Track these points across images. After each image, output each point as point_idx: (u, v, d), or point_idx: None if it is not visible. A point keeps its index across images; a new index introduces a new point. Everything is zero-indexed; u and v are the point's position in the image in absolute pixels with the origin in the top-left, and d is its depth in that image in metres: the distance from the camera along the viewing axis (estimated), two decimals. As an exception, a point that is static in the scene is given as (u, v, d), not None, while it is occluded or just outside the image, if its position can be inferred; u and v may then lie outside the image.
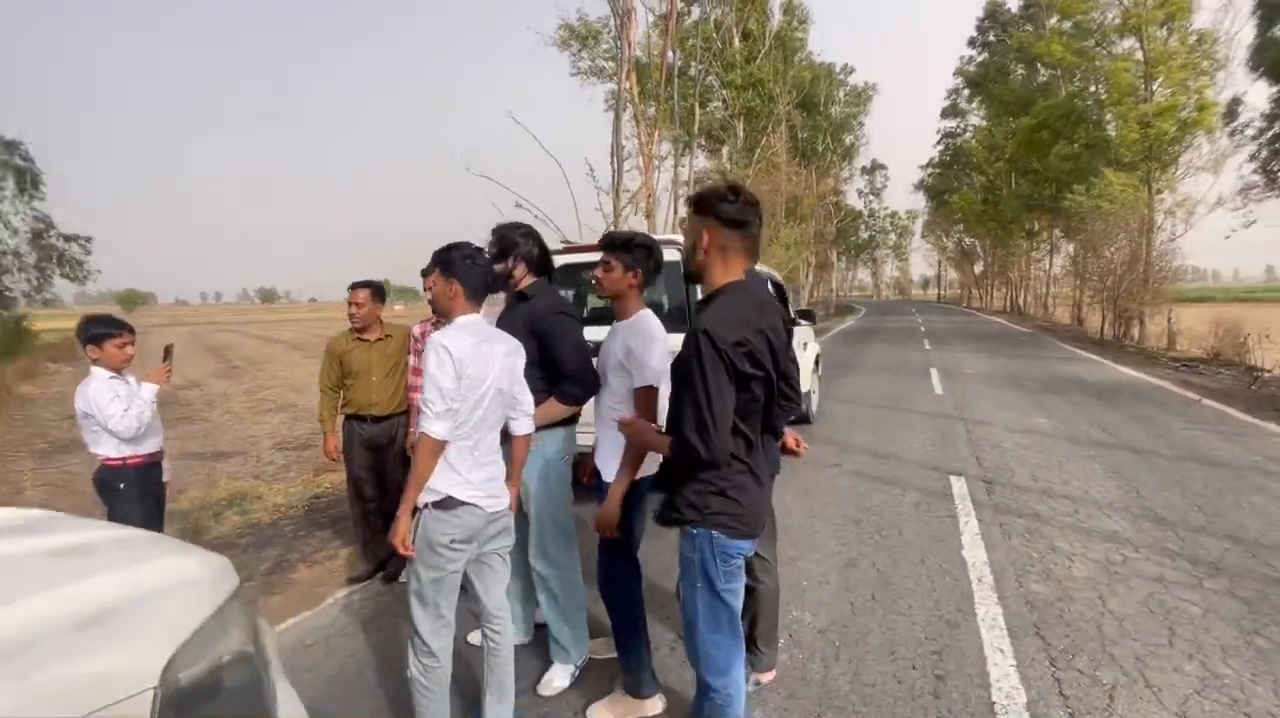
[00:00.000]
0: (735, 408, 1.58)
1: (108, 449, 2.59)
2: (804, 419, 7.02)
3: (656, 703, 2.30)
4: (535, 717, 2.31)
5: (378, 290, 3.46)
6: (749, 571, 2.33)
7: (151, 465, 2.75)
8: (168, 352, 2.84)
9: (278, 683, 1.17)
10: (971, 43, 37.36)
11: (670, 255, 4.50)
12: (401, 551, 1.86)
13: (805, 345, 6.95)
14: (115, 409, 2.49)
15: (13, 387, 11.83)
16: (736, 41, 22.81)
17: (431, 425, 1.82)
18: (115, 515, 2.59)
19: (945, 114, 43.13)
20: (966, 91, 39.73)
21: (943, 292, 76.51)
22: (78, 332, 2.63)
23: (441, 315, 2.86)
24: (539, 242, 2.55)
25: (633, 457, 2.10)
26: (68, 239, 19.89)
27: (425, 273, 3.00)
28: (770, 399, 1.72)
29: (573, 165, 12.80)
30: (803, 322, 6.73)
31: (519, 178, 11.77)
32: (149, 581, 1.01)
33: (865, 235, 59.42)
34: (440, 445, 1.85)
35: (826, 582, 3.30)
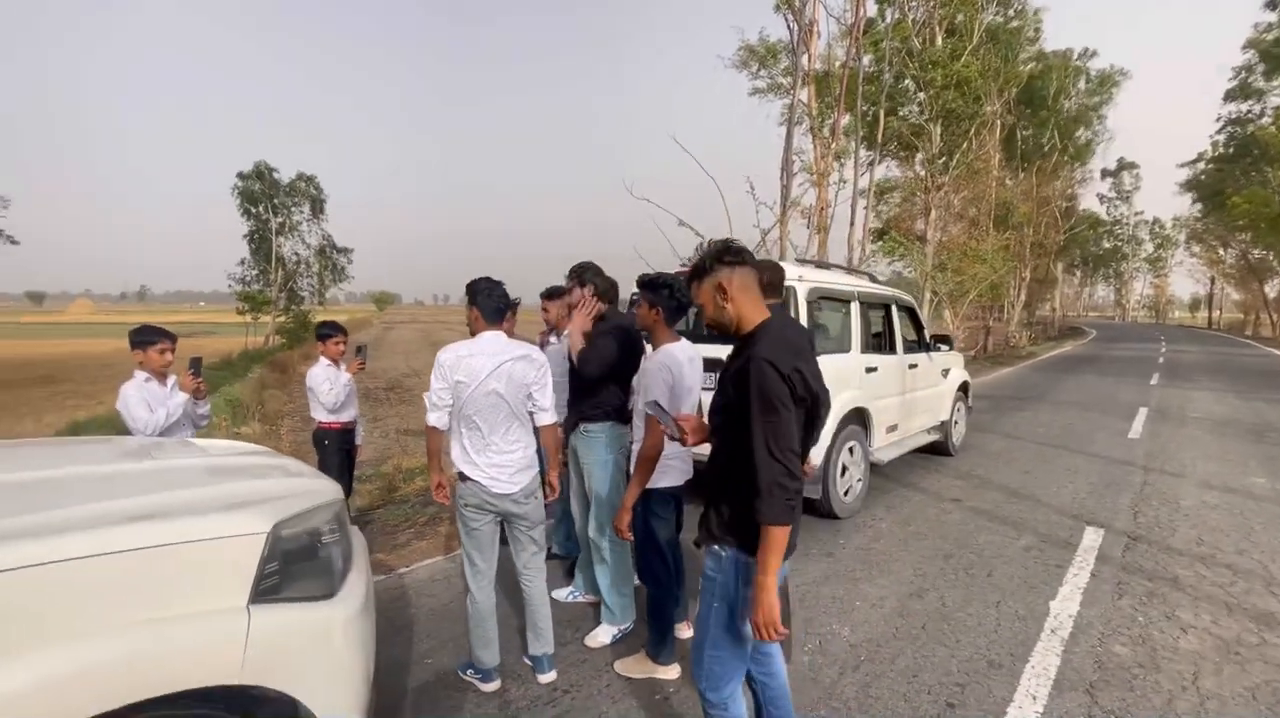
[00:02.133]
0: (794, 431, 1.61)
1: (320, 415, 3.73)
2: (943, 451, 6.67)
3: (673, 670, 2.71)
4: (578, 660, 2.85)
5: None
6: None
7: (347, 430, 3.86)
8: (360, 350, 3.93)
9: (355, 569, 1.83)
10: (1272, 5, 30.17)
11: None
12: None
13: (946, 373, 6.60)
14: (324, 387, 3.59)
15: (296, 366, 15.54)
16: (939, 40, 21.25)
17: (427, 416, 2.48)
18: (321, 461, 3.70)
19: (1230, 96, 35.17)
20: (1262, 67, 32.07)
21: (1216, 315, 61.43)
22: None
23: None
24: (605, 276, 3.12)
25: (642, 467, 2.49)
26: (338, 251, 25.41)
27: (544, 295, 3.73)
28: (810, 426, 1.77)
29: (736, 185, 13.13)
30: (941, 347, 6.40)
31: (685, 198, 12.49)
32: (281, 484, 1.77)
33: (1106, 246, 50.58)
34: (435, 431, 2.49)
35: (881, 605, 3.37)
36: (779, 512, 1.55)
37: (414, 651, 2.93)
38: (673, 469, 2.70)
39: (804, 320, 4.24)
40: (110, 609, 1.24)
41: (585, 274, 3.10)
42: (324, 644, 1.51)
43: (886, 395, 5.31)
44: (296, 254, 25.22)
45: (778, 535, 1.57)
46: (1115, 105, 33.04)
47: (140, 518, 1.36)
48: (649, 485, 2.56)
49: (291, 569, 1.52)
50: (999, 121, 23.61)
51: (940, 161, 21.13)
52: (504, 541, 2.67)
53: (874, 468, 5.35)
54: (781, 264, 4.33)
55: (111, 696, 1.19)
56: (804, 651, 2.92)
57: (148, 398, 3.03)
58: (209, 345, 22.23)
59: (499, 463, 2.51)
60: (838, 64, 17.34)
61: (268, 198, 24.12)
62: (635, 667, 2.74)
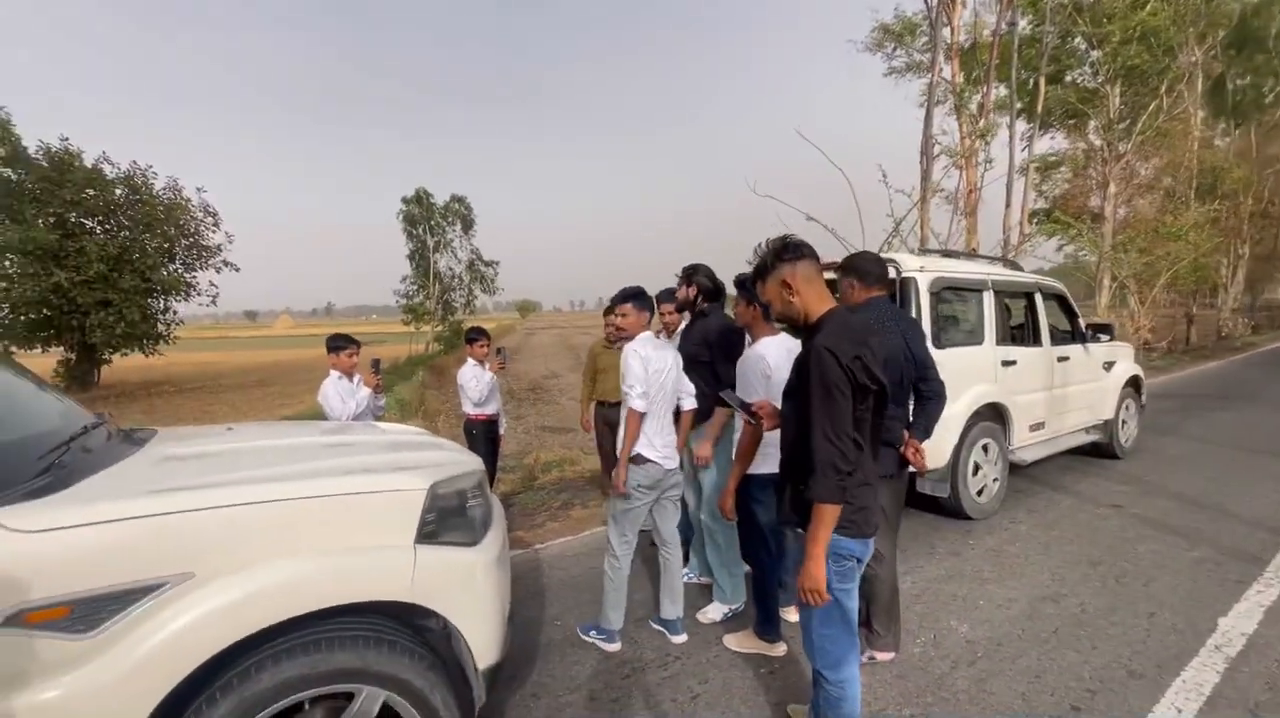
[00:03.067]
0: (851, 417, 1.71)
1: (468, 408, 4.32)
2: (1108, 453, 6.00)
3: (779, 648, 2.85)
4: (690, 633, 3.07)
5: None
6: None
7: (491, 421, 4.42)
8: (500, 351, 4.47)
9: (493, 527, 2.21)
10: None
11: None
12: (620, 488, 2.83)
13: (1110, 366, 5.92)
14: (471, 383, 4.18)
15: (450, 370, 17.37)
16: (1114, -12, 18.66)
17: (634, 402, 2.77)
18: (469, 448, 4.28)
19: None
20: None
21: None
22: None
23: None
24: (712, 276, 3.31)
25: (741, 454, 2.66)
26: (486, 264, 27.83)
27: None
28: (880, 410, 1.84)
29: (869, 174, 12.54)
30: (1101, 337, 5.75)
31: (814, 192, 12.18)
32: (439, 456, 2.20)
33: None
34: (640, 415, 2.77)
35: (1007, 607, 3.22)
36: (830, 491, 1.66)
37: (546, 613, 3.33)
38: (772, 457, 2.83)
39: (926, 312, 4.11)
40: (320, 537, 1.68)
41: (694, 275, 3.32)
42: (469, 580, 1.88)
43: (1029, 390, 4.93)
44: (450, 269, 28.08)
45: (827, 513, 1.67)
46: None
47: (338, 474, 1.82)
48: (750, 471, 2.72)
49: (445, 520, 1.91)
50: (1200, 73, 20.16)
51: (1121, 127, 18.52)
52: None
53: (1015, 468, 5.00)
54: (890, 255, 4.27)
55: (322, 597, 1.63)
56: (915, 643, 2.90)
57: (340, 392, 3.76)
58: (379, 352, 25.48)
59: (671, 443, 2.90)
60: (987, 32, 15.88)
61: (425, 219, 27.14)
62: (744, 642, 2.91)
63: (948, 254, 4.94)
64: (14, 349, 18.67)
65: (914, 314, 4.11)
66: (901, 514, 2.95)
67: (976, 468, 4.47)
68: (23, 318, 18.44)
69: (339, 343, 3.85)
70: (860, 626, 2.79)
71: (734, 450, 2.90)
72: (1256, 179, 23.37)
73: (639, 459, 2.81)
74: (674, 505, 3.02)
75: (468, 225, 29.03)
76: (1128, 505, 4.74)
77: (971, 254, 5.50)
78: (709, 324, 3.25)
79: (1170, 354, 16.46)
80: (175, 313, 21.65)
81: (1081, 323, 5.64)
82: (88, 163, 19.24)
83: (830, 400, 1.68)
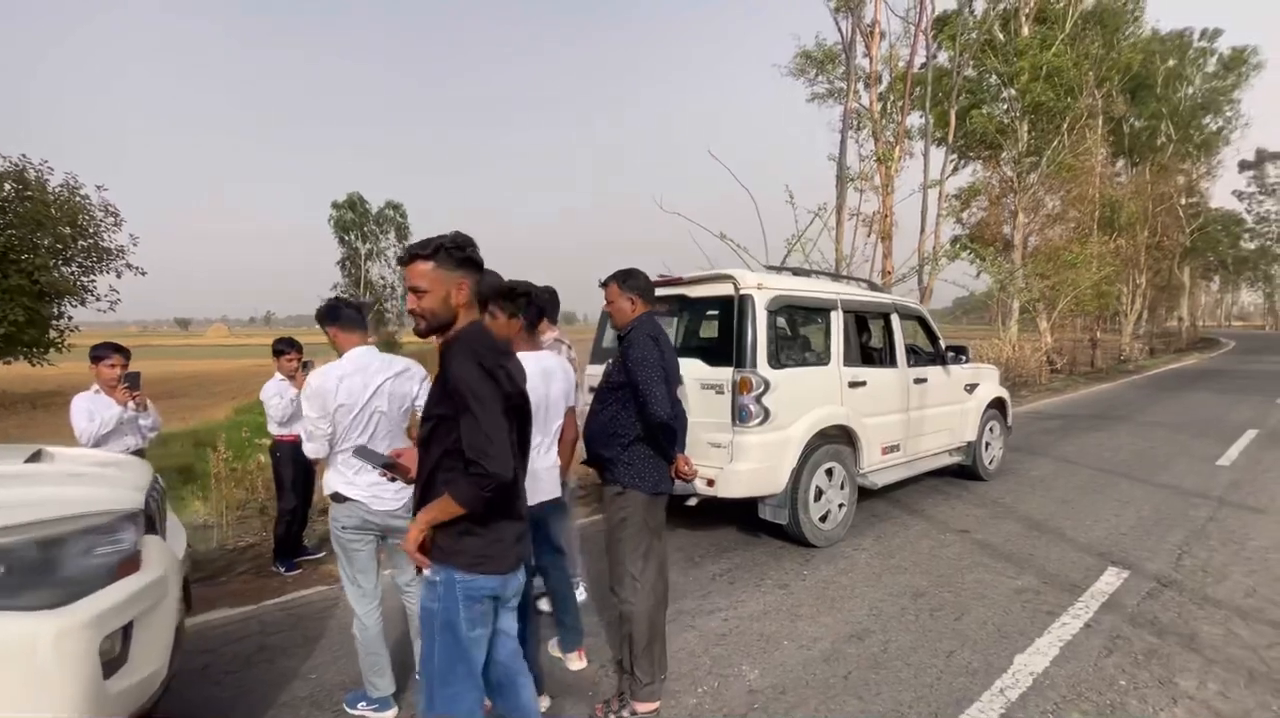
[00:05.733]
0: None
1: (273, 428, 3.96)
2: (974, 475, 6.01)
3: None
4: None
5: None
6: (616, 592, 2.43)
7: (299, 443, 3.98)
8: (306, 366, 4.06)
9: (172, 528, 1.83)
10: None
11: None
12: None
13: (973, 388, 5.95)
14: (274, 401, 3.75)
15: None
16: (1025, 29, 19.76)
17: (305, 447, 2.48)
18: (275, 473, 3.92)
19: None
20: None
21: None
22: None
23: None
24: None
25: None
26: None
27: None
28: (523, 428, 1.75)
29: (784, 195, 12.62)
30: (962, 357, 5.78)
31: (733, 213, 12.19)
32: (49, 493, 1.83)
33: (1250, 246, 44.56)
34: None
35: (810, 647, 3.02)
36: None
37: (305, 665, 2.93)
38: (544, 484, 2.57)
39: (762, 331, 3.96)
40: None
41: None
42: (21, 654, 1.51)
43: (881, 412, 4.84)
44: (383, 278, 27.13)
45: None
46: (1250, 88, 29.23)
47: None
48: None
49: (5, 578, 1.54)
50: (1101, 114, 21.48)
51: (1029, 160, 19.51)
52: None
53: (869, 492, 4.89)
54: (729, 272, 4.11)
55: None
56: (694, 692, 2.65)
57: (92, 408, 3.29)
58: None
59: (375, 480, 2.38)
60: (900, 64, 16.48)
61: (359, 226, 26.20)
62: None
63: (799, 272, 4.83)
64: None
65: (750, 332, 3.94)
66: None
67: (819, 493, 4.32)
68: (-119, 319, 16.64)
69: (99, 353, 3.41)
70: (625, 672, 2.54)
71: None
72: (1150, 214, 25.01)
73: (338, 497, 2.45)
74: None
75: (402, 234, 28.19)
76: (974, 530, 4.68)
77: (828, 273, 5.43)
78: None
79: (1071, 375, 17.21)
80: (70, 318, 19.97)
81: (942, 344, 5.64)
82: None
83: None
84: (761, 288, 4.07)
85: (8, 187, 18.36)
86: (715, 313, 4.58)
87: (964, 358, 5.75)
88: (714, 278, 4.25)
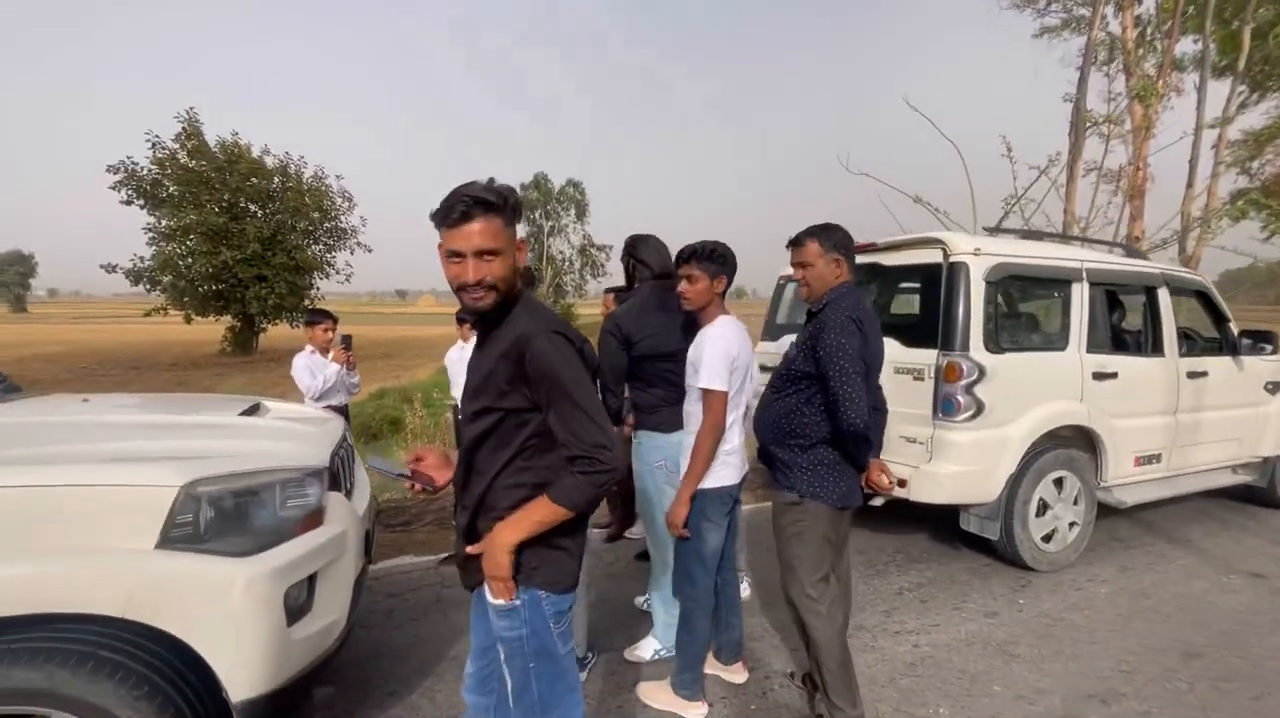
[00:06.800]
0: None
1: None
2: (1263, 500, 4.63)
3: (696, 709, 2.31)
4: (608, 671, 2.62)
5: None
6: (794, 610, 2.10)
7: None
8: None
9: (299, 539, 1.89)
10: None
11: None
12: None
13: (1274, 388, 4.50)
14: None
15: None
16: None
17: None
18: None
19: None
20: None
21: None
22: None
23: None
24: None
25: (699, 463, 2.11)
26: (598, 249, 28.11)
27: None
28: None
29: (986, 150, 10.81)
30: (1266, 346, 4.36)
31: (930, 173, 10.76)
32: (252, 446, 1.95)
33: None
34: None
35: (1032, 701, 2.41)
36: None
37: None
38: (729, 465, 2.26)
39: (979, 306, 3.26)
40: (21, 533, 1.47)
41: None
42: (220, 597, 1.60)
43: (1137, 413, 3.82)
44: (563, 253, 28.79)
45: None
46: None
47: (75, 462, 1.61)
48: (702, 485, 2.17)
49: (210, 524, 1.64)
50: None
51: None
52: None
53: (1111, 511, 3.93)
54: (938, 235, 3.45)
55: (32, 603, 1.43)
56: (878, 732, 2.24)
57: (310, 366, 3.69)
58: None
59: None
60: (1169, -23, 13.08)
61: (542, 204, 28.00)
62: (657, 695, 2.41)
63: (1029, 235, 3.93)
64: (194, 316, 21.85)
65: (961, 308, 3.27)
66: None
67: (1043, 507, 3.53)
68: (200, 289, 21.41)
69: (314, 318, 3.79)
70: (817, 692, 2.19)
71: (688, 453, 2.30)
72: None
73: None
74: None
75: (581, 211, 29.59)
76: (1273, 576, 3.54)
77: (1065, 237, 4.38)
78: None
79: None
80: (318, 289, 24.07)
81: (1233, 328, 4.32)
82: (253, 154, 21.83)
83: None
84: (979, 254, 3.35)
85: (277, 179, 22.47)
86: (917, 284, 3.91)
87: (1268, 347, 4.35)
88: (917, 242, 3.60)
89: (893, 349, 3.55)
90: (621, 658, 2.69)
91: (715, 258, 2.17)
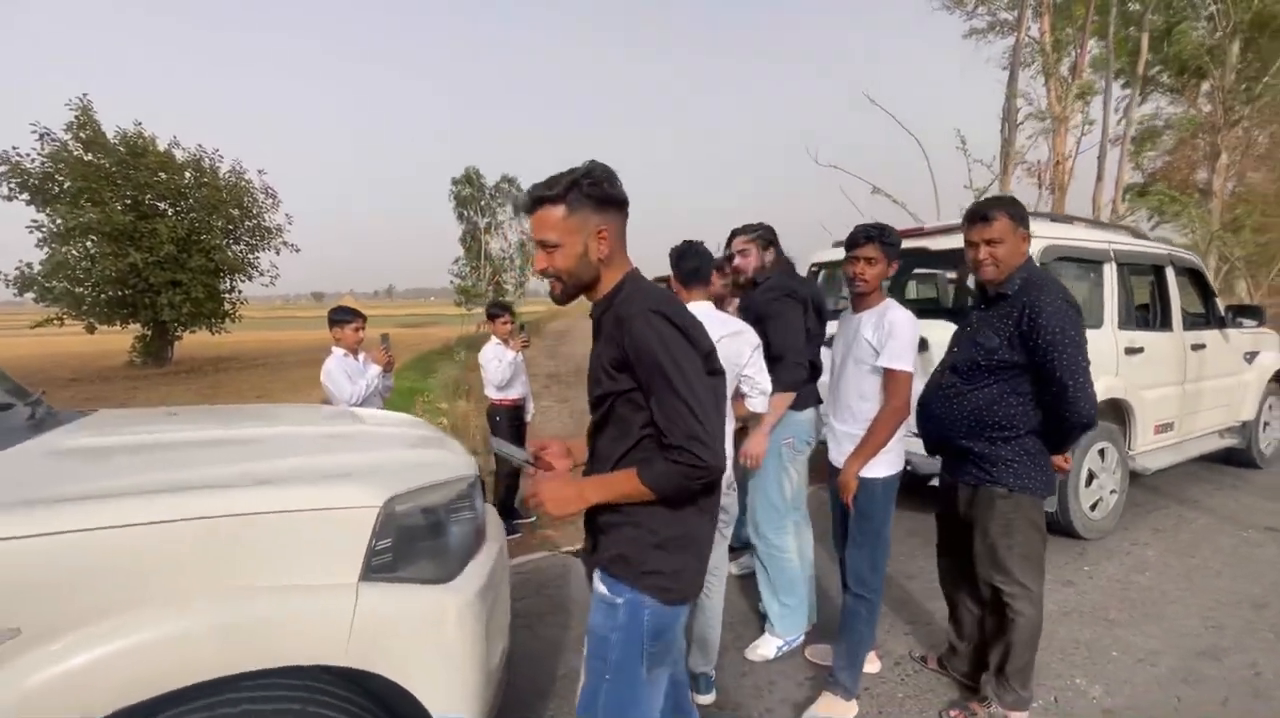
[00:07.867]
0: None
1: (491, 392, 3.86)
2: (1244, 461, 5.06)
3: (847, 708, 2.24)
4: (737, 673, 2.51)
5: None
6: (1000, 600, 2.06)
7: (517, 407, 3.95)
8: (523, 328, 3.97)
9: (484, 548, 1.70)
10: None
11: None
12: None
13: (1252, 357, 4.94)
14: (492, 364, 3.68)
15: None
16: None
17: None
18: (493, 436, 3.83)
19: None
20: None
21: None
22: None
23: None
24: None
25: (879, 441, 2.04)
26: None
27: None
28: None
29: (943, 144, 11.41)
30: (1244, 322, 4.78)
31: (878, 164, 11.18)
32: (417, 457, 1.72)
33: None
34: None
35: (1152, 662, 2.51)
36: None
37: (569, 635, 2.83)
38: (896, 451, 2.19)
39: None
40: (215, 573, 1.20)
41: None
42: (433, 630, 1.38)
43: (1157, 385, 4.08)
44: (502, 250, 28.04)
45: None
46: None
47: (254, 484, 1.33)
48: (865, 474, 2.08)
49: (406, 547, 1.41)
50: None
51: (1243, 90, 16.40)
52: None
53: (1135, 477, 4.17)
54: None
55: (203, 665, 1.16)
56: (1036, 701, 2.25)
57: (348, 371, 3.33)
58: (433, 334, 25.70)
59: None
60: (1082, -17, 14.18)
61: (476, 201, 27.11)
62: (832, 706, 2.27)
63: (1058, 218, 4.11)
64: (97, 325, 19.69)
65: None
66: None
67: (1090, 477, 3.70)
68: (103, 295, 19.31)
69: (343, 316, 3.39)
70: (995, 672, 2.16)
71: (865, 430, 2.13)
72: None
73: None
74: (720, 537, 2.21)
75: (518, 207, 28.93)
76: (1284, 528, 3.87)
77: (1095, 220, 4.62)
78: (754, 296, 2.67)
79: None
80: (239, 292, 22.28)
81: (1219, 304, 4.70)
82: (160, 147, 19.88)
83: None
84: (1034, 237, 3.45)
85: (189, 174, 20.59)
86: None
87: (1251, 322, 4.76)
88: (969, 226, 3.68)
89: (946, 332, 3.61)
90: (744, 659, 2.59)
91: (894, 242, 2.12)
